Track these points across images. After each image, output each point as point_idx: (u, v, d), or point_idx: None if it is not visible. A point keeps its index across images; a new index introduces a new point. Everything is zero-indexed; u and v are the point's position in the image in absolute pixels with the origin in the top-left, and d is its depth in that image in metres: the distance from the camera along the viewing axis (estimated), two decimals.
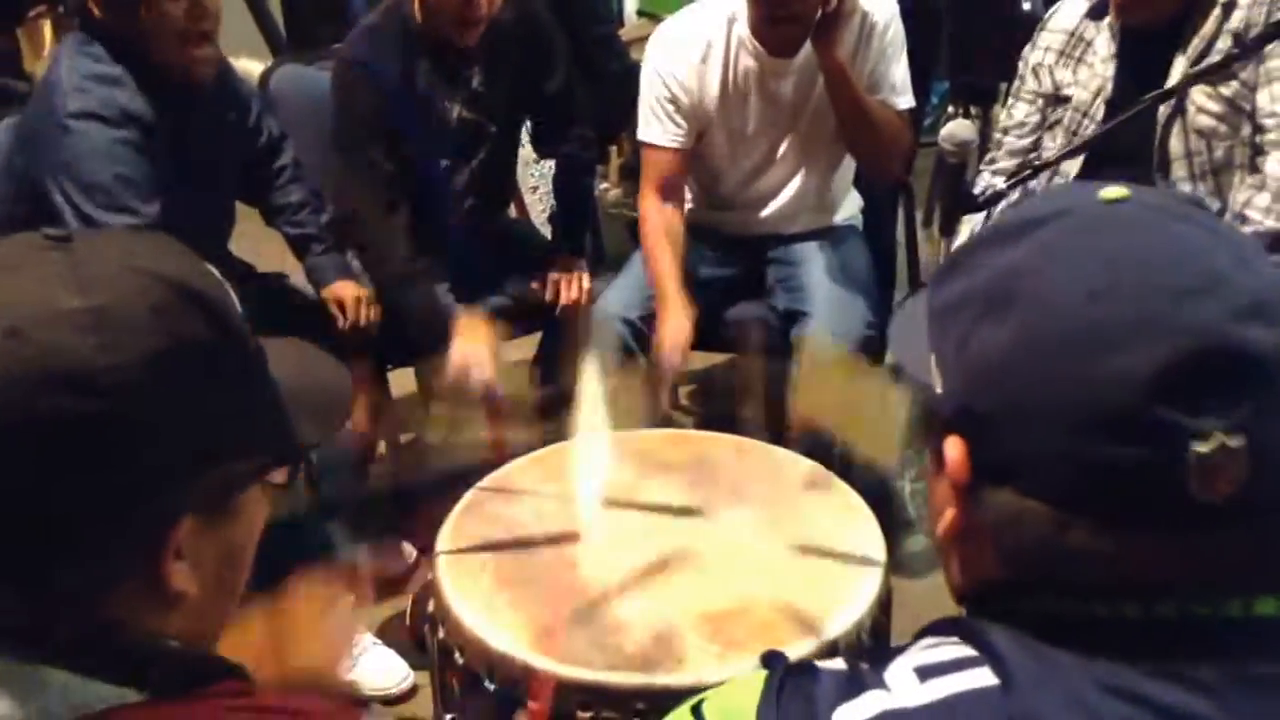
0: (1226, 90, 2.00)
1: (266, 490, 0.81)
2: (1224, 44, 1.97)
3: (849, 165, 2.48)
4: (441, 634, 1.52)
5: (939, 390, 0.74)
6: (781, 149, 2.39)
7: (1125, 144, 2.03)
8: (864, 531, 1.61)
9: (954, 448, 0.71)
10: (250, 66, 2.35)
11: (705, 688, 0.76)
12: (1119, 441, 0.65)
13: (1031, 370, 0.68)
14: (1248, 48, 1.81)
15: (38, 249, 0.73)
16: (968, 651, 0.70)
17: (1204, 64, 1.93)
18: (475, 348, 2.26)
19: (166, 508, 0.72)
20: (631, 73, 2.52)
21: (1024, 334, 0.68)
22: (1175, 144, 2.05)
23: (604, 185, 3.65)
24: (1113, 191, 0.72)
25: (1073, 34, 2.15)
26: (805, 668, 0.74)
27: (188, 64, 2.07)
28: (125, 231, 0.86)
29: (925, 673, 0.69)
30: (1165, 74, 2.00)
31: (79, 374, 0.68)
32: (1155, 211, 0.71)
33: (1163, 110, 2.01)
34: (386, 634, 2.26)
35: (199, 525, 0.74)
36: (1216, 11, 1.99)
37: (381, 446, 2.63)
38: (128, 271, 0.73)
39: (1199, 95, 2.00)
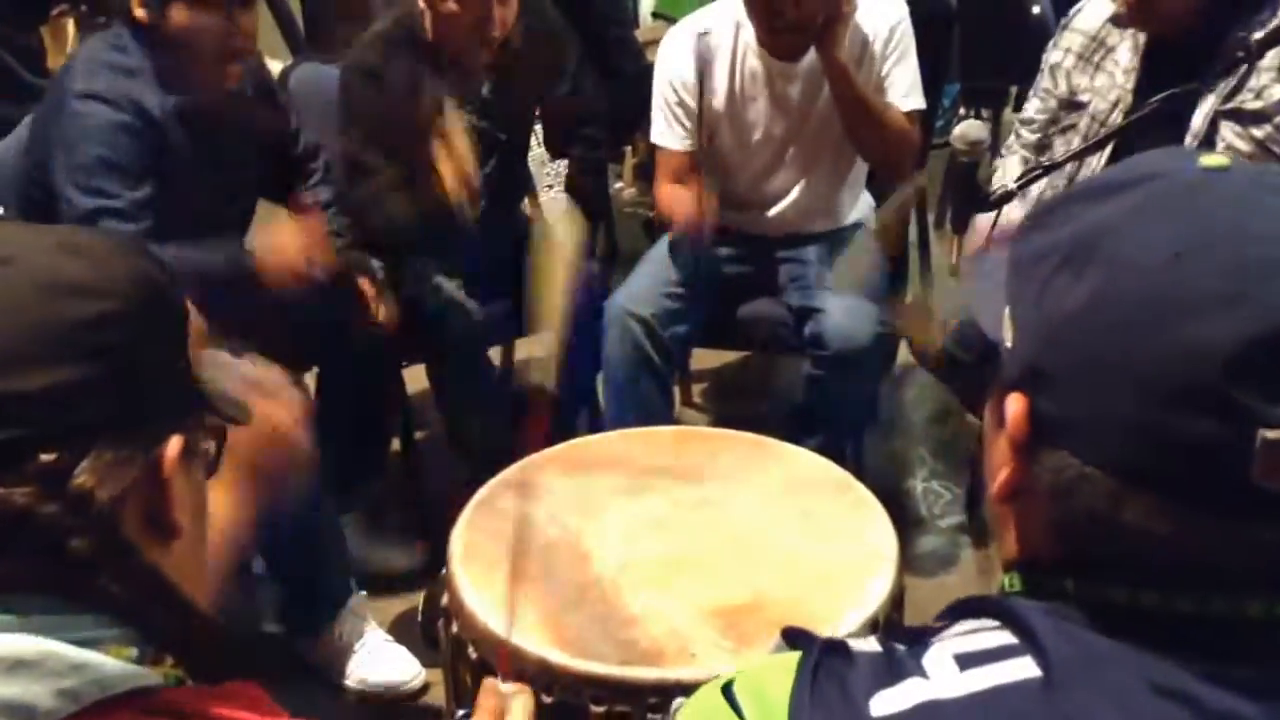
0: (1258, 132, 1.94)
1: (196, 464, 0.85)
2: (1257, 82, 1.92)
3: (861, 166, 2.49)
4: (455, 628, 1.53)
5: (1008, 344, 0.72)
6: (790, 151, 2.40)
7: (1145, 149, 2.01)
8: (877, 528, 1.62)
9: (1015, 403, 0.69)
10: (270, 66, 2.36)
11: None
12: (1187, 415, 0.62)
13: (1105, 328, 0.65)
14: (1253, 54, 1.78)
15: None
16: (1008, 639, 0.67)
17: (1233, 103, 1.90)
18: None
19: (163, 414, 0.78)
20: (646, 74, 2.54)
21: (1102, 290, 0.65)
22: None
23: (619, 184, 3.66)
24: (1213, 159, 0.69)
25: (1094, 38, 2.11)
26: (839, 649, 0.71)
27: (216, 77, 2.09)
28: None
29: (965, 661, 0.67)
30: (1189, 98, 1.95)
31: (78, 284, 0.75)
32: (1254, 183, 0.68)
33: (1189, 140, 1.96)
34: (398, 630, 2.27)
35: (181, 456, 0.78)
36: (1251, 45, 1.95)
37: (396, 444, 2.64)
38: (80, 230, 0.86)
39: (1228, 132, 1.96)
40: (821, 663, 0.70)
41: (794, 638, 0.74)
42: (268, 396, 1.09)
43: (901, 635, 0.72)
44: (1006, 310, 0.72)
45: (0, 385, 0.71)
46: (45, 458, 0.72)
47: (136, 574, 0.75)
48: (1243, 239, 0.64)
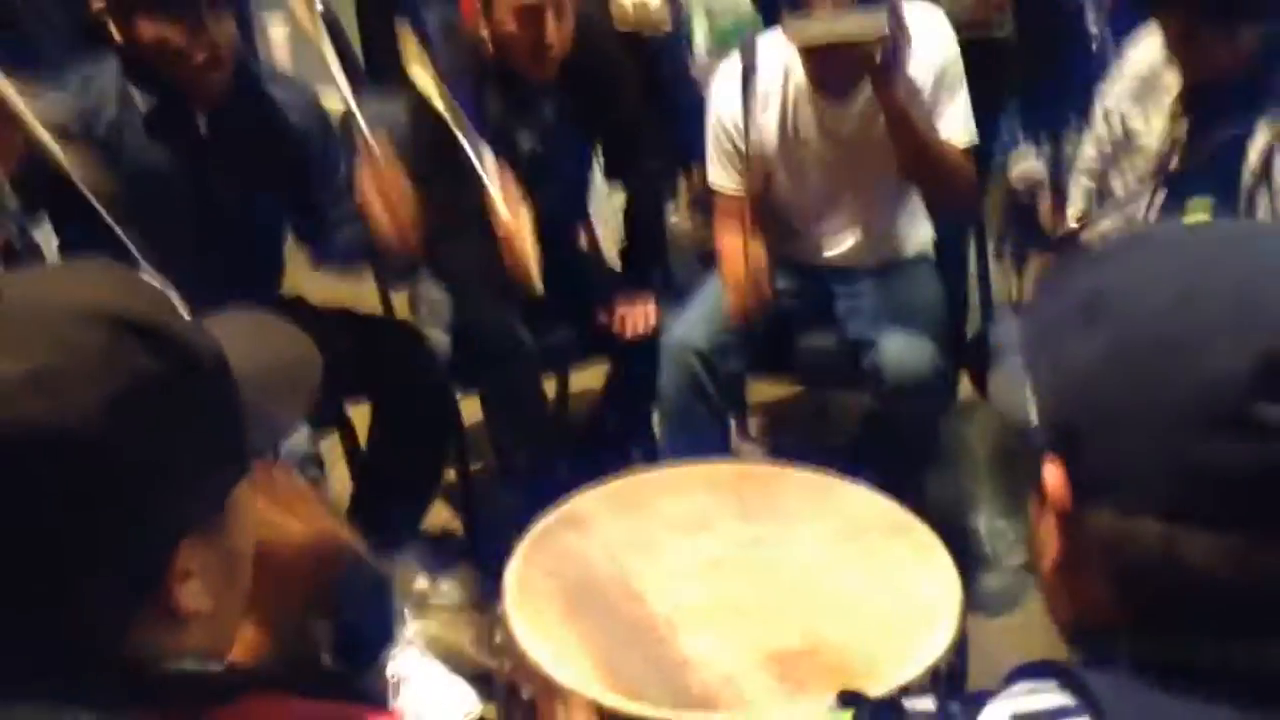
0: None
1: (250, 488, 0.81)
2: None
3: (918, 198, 2.46)
4: (508, 666, 1.52)
5: (1035, 420, 0.73)
6: (845, 189, 2.39)
7: (1203, 189, 1.97)
8: (938, 572, 1.58)
9: (1052, 473, 0.70)
10: (331, 105, 2.38)
11: None
12: (1218, 441, 0.63)
13: (1125, 376, 0.66)
14: None
15: None
16: (1067, 700, 0.67)
17: None
18: None
19: (161, 536, 0.72)
20: (702, 106, 2.53)
21: (1115, 342, 0.67)
22: (1262, 214, 1.98)
23: (674, 217, 3.66)
24: (1196, 216, 0.76)
25: (1146, 79, 2.10)
26: (894, 707, 0.74)
27: (188, 87, 2.10)
28: (59, 269, 0.86)
29: None
30: (1241, 138, 1.93)
31: (39, 437, 0.67)
32: (1235, 229, 0.75)
33: (1248, 178, 1.94)
34: (452, 663, 2.26)
35: (197, 542, 0.74)
36: None
37: (451, 475, 2.64)
38: (66, 320, 0.70)
39: None
40: (875, 713, 0.72)
41: (848, 700, 0.76)
42: (301, 508, 1.06)
43: (961, 697, 0.74)
44: (1028, 387, 0.74)
45: None
46: (42, 610, 0.69)
47: (143, 678, 0.72)
48: (1238, 274, 0.67)
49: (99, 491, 0.69)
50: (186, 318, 0.78)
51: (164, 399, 0.72)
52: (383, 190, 2.16)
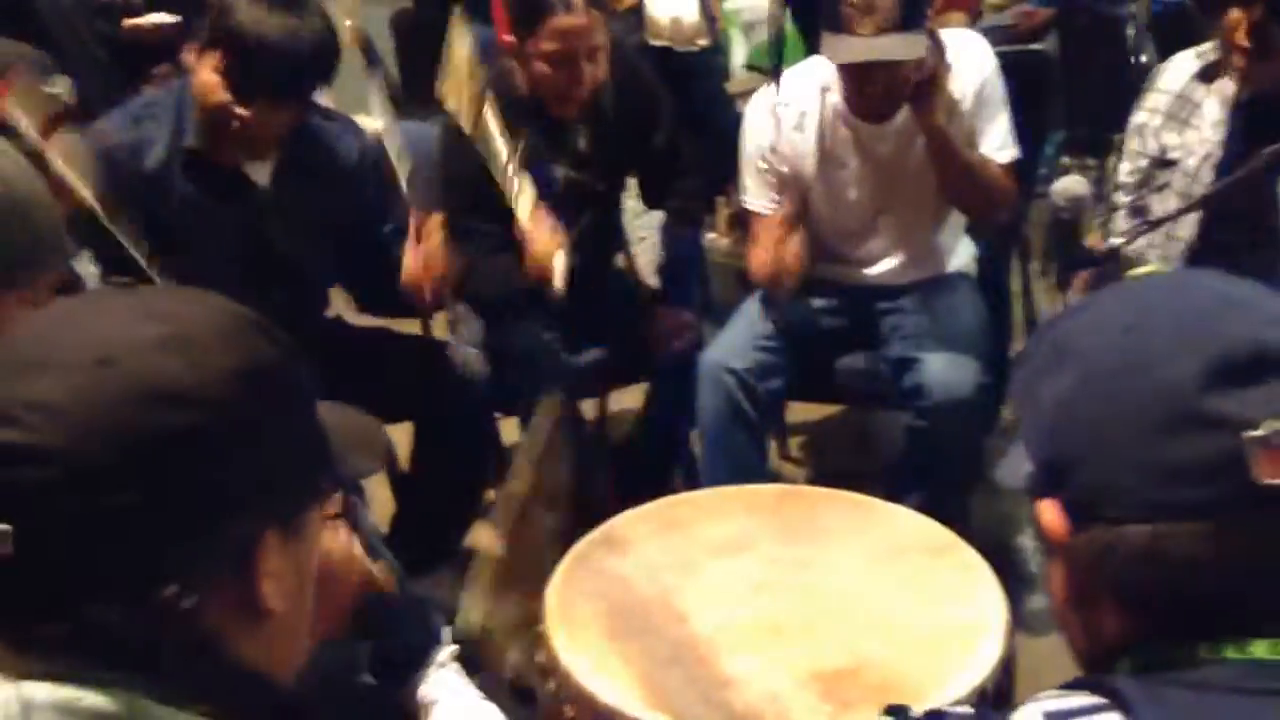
0: None
1: (322, 519, 0.85)
2: None
3: (959, 215, 2.45)
4: (551, 685, 1.51)
5: (1029, 469, 0.81)
6: (884, 210, 2.38)
7: (1243, 207, 1.95)
8: (984, 591, 1.56)
9: (1047, 509, 0.78)
10: (369, 125, 2.40)
11: None
12: (1179, 439, 0.71)
13: (1091, 400, 0.76)
14: None
15: (109, 295, 0.81)
16: (1097, 700, 0.72)
17: None
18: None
19: (255, 519, 0.75)
20: (737, 125, 2.53)
21: (1076, 376, 0.77)
22: None
23: (712, 235, 3.66)
24: (1141, 271, 0.85)
25: (1180, 95, 2.09)
26: (931, 714, 0.79)
27: (246, 153, 2.11)
28: (174, 286, 0.96)
29: (1055, 717, 0.71)
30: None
31: (173, 391, 0.72)
32: (1175, 276, 0.85)
33: None
34: (489, 685, 2.25)
35: (279, 542, 0.77)
36: None
37: (491, 496, 2.64)
38: (194, 304, 0.79)
39: None
40: None
41: (892, 712, 0.82)
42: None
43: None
44: (1021, 446, 0.83)
45: (82, 503, 0.69)
46: (123, 578, 0.70)
47: (213, 664, 0.74)
48: (1176, 301, 0.78)
49: (211, 451, 0.73)
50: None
51: (277, 382, 0.79)
52: (428, 265, 2.19)
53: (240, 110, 1.99)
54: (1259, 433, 0.69)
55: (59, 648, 0.70)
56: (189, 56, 2.09)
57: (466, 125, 2.21)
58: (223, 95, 2.00)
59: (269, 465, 0.76)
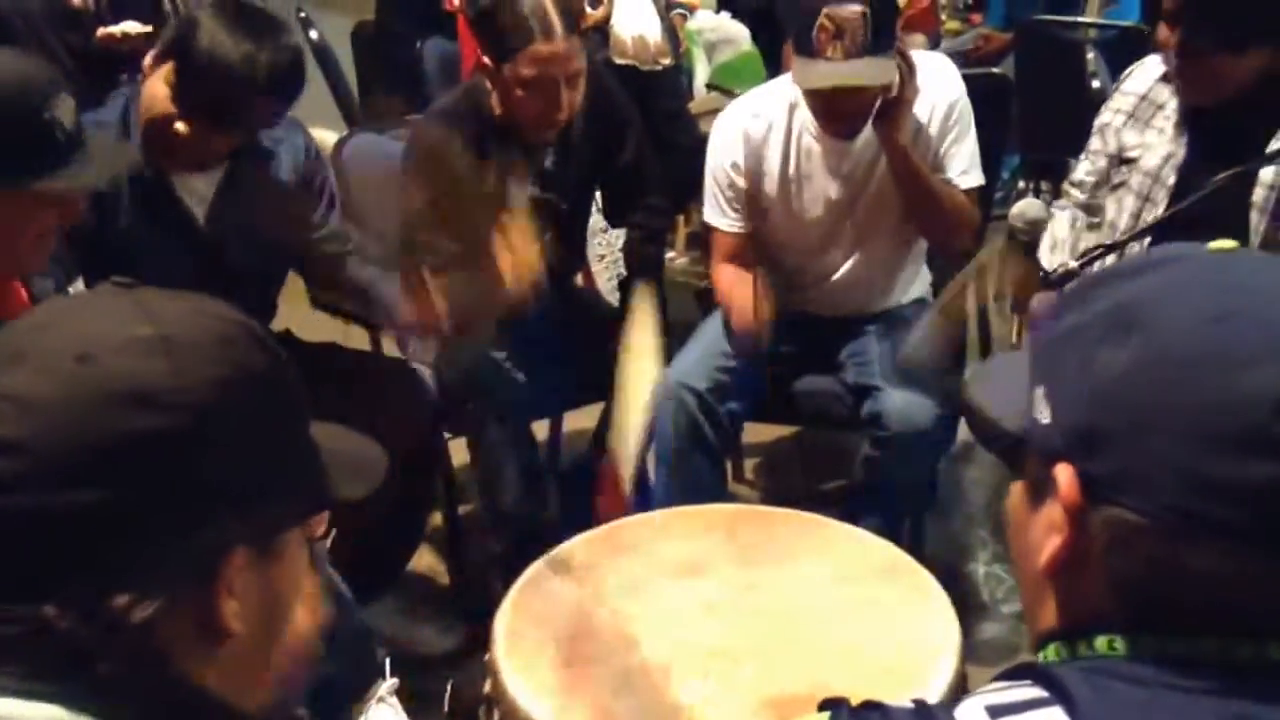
0: None
1: (304, 541, 0.82)
2: None
3: (921, 242, 2.45)
4: (497, 716, 1.47)
5: (1046, 421, 0.75)
6: (845, 227, 2.37)
7: (1210, 216, 1.95)
8: (938, 616, 1.55)
9: (1065, 472, 0.72)
10: (325, 136, 2.36)
11: None
12: (1243, 459, 0.66)
13: (1154, 386, 0.69)
14: None
15: (108, 293, 0.78)
16: (1039, 692, 0.70)
17: None
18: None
19: (223, 533, 0.73)
20: (700, 145, 2.52)
21: (1147, 354, 0.70)
22: (1261, 222, 1.97)
23: (671, 254, 3.65)
24: (1223, 244, 0.76)
25: (1144, 97, 2.10)
26: (873, 705, 0.75)
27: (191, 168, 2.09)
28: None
29: (996, 711, 0.70)
30: (1242, 144, 1.91)
31: (148, 393, 0.71)
32: (1263, 260, 0.77)
33: (1255, 219, 1.92)
34: (425, 717, 2.20)
35: (248, 561, 0.75)
36: None
37: (437, 518, 2.60)
38: (192, 309, 0.77)
39: None
40: (855, 713, 0.74)
41: (828, 706, 0.77)
42: None
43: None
44: (1038, 390, 0.76)
45: (44, 499, 0.68)
46: (81, 581, 0.69)
47: (156, 682, 0.71)
48: (1270, 299, 0.71)
49: (182, 460, 0.71)
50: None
51: (264, 400, 0.77)
52: (424, 311, 2.15)
53: (180, 125, 1.95)
54: None
55: (9, 650, 0.68)
56: (147, 63, 2.04)
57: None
58: (167, 106, 1.96)
59: (244, 479, 0.74)
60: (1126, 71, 2.18)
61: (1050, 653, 0.75)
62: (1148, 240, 1.99)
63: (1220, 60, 1.89)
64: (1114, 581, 0.71)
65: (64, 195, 1.60)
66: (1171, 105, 2.05)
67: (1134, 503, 0.69)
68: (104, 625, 0.69)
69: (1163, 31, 1.97)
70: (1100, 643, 0.71)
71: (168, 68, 1.97)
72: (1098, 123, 2.17)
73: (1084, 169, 2.21)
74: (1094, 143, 2.18)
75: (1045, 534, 0.74)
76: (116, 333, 0.73)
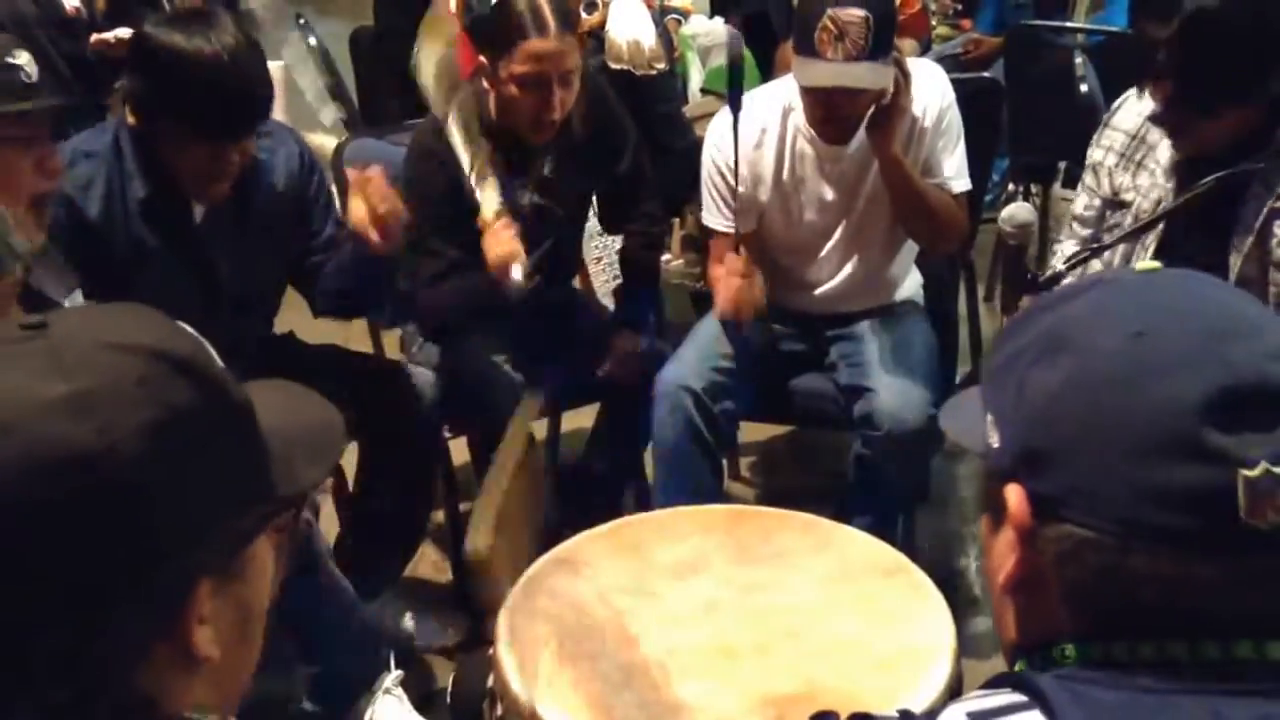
0: None
1: (271, 538, 0.81)
2: None
3: (912, 244, 2.48)
4: (499, 711, 1.50)
5: (996, 445, 0.79)
6: (837, 233, 2.40)
7: (1196, 248, 1.96)
8: (933, 614, 1.58)
9: (1014, 493, 0.76)
10: (325, 141, 2.38)
11: None
12: (1172, 465, 0.70)
13: (1083, 403, 0.73)
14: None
15: (15, 341, 0.73)
16: (1019, 698, 0.72)
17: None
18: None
19: (184, 571, 0.72)
20: (695, 148, 2.55)
21: (1074, 373, 0.74)
22: (1250, 269, 1.97)
23: (666, 256, 3.68)
24: (1147, 265, 0.82)
25: (1135, 136, 2.08)
26: (861, 717, 0.78)
27: (200, 194, 2.10)
28: (99, 307, 0.87)
29: (978, 717, 0.72)
30: (1233, 191, 1.90)
31: (77, 457, 0.68)
32: (1185, 277, 0.80)
33: (1243, 240, 1.92)
34: (435, 710, 2.23)
35: (215, 586, 0.74)
36: None
37: (439, 517, 2.63)
38: (107, 349, 0.73)
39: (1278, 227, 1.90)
40: None
41: (818, 719, 0.81)
42: None
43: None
44: (988, 417, 0.80)
45: (4, 573, 0.67)
46: (50, 650, 0.68)
47: (151, 712, 0.72)
48: (1186, 314, 0.74)
49: (128, 515, 0.69)
50: (219, 363, 0.79)
51: (196, 431, 0.73)
52: (367, 194, 2.10)
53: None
54: (1254, 474, 0.68)
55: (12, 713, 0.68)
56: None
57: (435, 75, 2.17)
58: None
59: (195, 513, 0.73)
60: (1116, 103, 2.15)
61: (1020, 666, 0.79)
62: (1141, 250, 2.01)
63: (1196, 121, 1.91)
64: (1067, 594, 0.75)
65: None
66: (1162, 145, 2.03)
67: (1080, 517, 0.72)
68: (85, 687, 0.69)
69: (1152, 86, 1.97)
70: (1056, 653, 0.75)
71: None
72: (1090, 159, 2.16)
73: (1082, 203, 2.20)
74: (1088, 178, 2.16)
75: (1005, 553, 0.78)
76: (33, 396, 0.69)
